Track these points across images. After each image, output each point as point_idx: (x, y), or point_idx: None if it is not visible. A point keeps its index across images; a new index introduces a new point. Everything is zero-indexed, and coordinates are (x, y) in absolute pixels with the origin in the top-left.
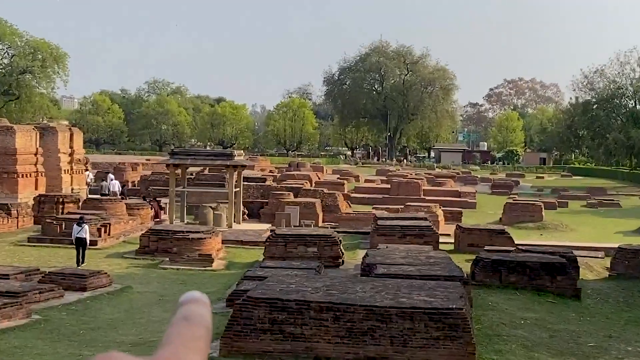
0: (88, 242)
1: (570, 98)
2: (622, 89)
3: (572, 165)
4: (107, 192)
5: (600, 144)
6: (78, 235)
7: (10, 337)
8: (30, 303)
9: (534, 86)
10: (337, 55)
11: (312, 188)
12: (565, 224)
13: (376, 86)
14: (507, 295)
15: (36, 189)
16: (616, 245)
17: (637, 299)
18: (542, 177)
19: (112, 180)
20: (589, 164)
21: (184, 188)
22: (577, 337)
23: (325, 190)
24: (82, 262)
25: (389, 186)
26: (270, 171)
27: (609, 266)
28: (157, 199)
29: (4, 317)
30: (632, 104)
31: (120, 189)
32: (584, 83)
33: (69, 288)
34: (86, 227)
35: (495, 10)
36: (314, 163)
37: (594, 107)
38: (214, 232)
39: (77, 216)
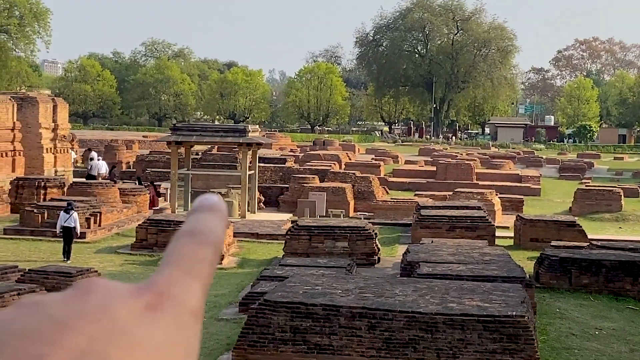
0: (78, 232)
1: None
2: None
3: None
4: (96, 174)
5: None
6: (66, 224)
7: None
8: (7, 306)
9: (612, 48)
10: (373, 11)
11: (341, 171)
12: None
13: (419, 48)
14: (578, 301)
15: (13, 170)
16: None
17: None
18: (622, 158)
19: (98, 159)
20: None
21: (188, 170)
22: None
23: (358, 174)
24: (66, 258)
25: (434, 169)
26: (292, 150)
27: None
28: (155, 183)
29: None
30: None
31: (109, 170)
32: None
33: (53, 289)
34: (75, 214)
35: None
36: (343, 141)
37: None
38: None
39: (64, 203)
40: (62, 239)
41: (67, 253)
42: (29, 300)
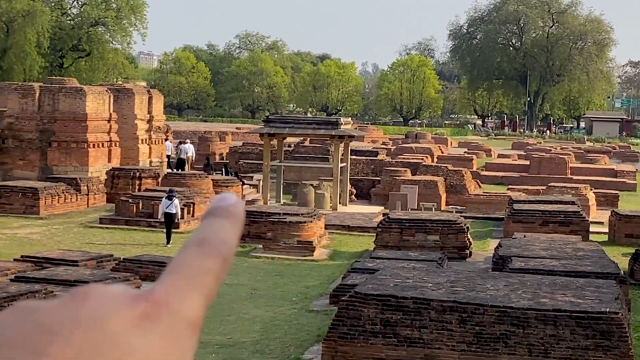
0: (179, 217)
1: None
2: None
3: None
4: (184, 157)
5: None
6: (167, 211)
7: None
8: None
9: None
10: (467, 4)
11: (433, 164)
12: None
13: (514, 41)
14: None
15: (109, 161)
16: None
17: None
18: None
19: (185, 142)
20: None
21: (280, 162)
22: None
23: (450, 167)
24: (168, 242)
25: (527, 163)
26: (384, 143)
27: None
28: (239, 174)
29: None
30: None
31: (194, 154)
32: None
33: (147, 278)
34: (176, 201)
35: None
36: (436, 134)
37: None
38: (315, 215)
39: (158, 193)
40: (162, 225)
41: (169, 237)
42: (23, 305)
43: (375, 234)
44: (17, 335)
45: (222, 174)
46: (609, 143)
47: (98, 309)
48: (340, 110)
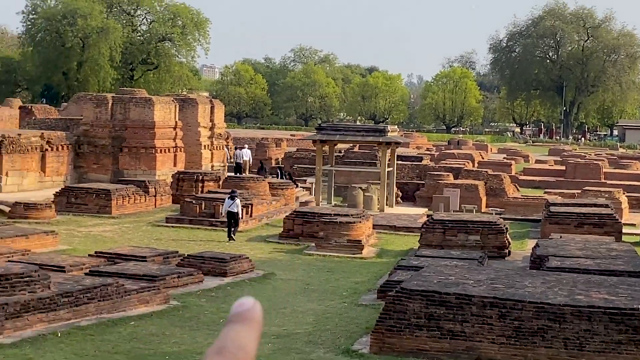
0: (241, 216)
1: None
2: None
3: None
4: (242, 161)
5: None
6: (230, 209)
7: (147, 323)
8: (169, 288)
9: None
10: (506, 19)
11: (474, 169)
12: None
13: (550, 54)
14: None
15: (175, 165)
16: None
17: None
18: None
19: (242, 148)
20: None
21: (331, 166)
22: None
23: (490, 172)
24: (230, 238)
25: (563, 168)
26: (427, 149)
27: None
28: (292, 177)
29: (141, 301)
30: None
31: (251, 158)
32: None
33: (209, 273)
34: (238, 201)
35: None
36: (477, 141)
37: None
38: (364, 215)
39: (219, 195)
40: (224, 224)
41: (232, 233)
42: None
43: (419, 234)
44: None
45: (277, 177)
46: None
47: None
48: (387, 119)
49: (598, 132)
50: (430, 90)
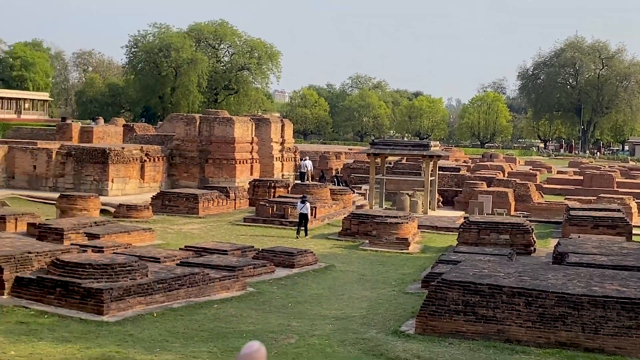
0: (310, 217)
1: None
2: None
3: None
4: (305, 170)
5: None
6: (302, 211)
7: (227, 306)
8: (246, 277)
9: None
10: (532, 51)
11: (504, 178)
12: None
13: (570, 81)
14: None
15: (251, 174)
16: None
17: None
18: None
19: (304, 159)
20: None
21: (382, 176)
22: None
23: (518, 181)
24: (305, 235)
25: (581, 178)
26: (464, 161)
27: None
28: (349, 184)
29: (223, 288)
30: None
31: (313, 168)
32: None
33: (279, 264)
34: (308, 204)
35: None
36: (506, 154)
37: None
38: (410, 217)
39: (289, 200)
40: (297, 222)
41: (302, 231)
42: None
43: (457, 233)
44: None
45: (335, 184)
46: None
47: None
48: (430, 136)
49: (611, 148)
50: (467, 111)
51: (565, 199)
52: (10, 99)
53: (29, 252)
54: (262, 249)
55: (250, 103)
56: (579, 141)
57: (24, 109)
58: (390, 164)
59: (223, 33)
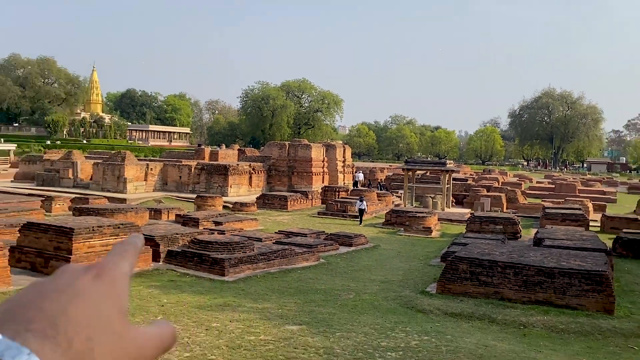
0: (366, 210)
1: None
2: None
3: None
4: (357, 180)
5: None
6: (360, 207)
7: (306, 272)
8: (319, 252)
9: None
10: (519, 97)
11: (499, 186)
12: None
13: (545, 118)
14: (639, 265)
15: (323, 182)
16: None
17: None
18: None
19: (357, 172)
20: None
21: (413, 184)
22: None
23: (508, 188)
24: (360, 223)
25: (553, 186)
26: (470, 174)
27: None
28: (389, 189)
29: (303, 259)
30: None
31: (363, 179)
32: None
33: (342, 244)
34: (365, 202)
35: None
36: (500, 170)
37: None
38: (432, 213)
39: (350, 200)
40: (357, 215)
41: (360, 221)
42: (34, 281)
43: (465, 224)
44: (24, 299)
45: (379, 189)
46: (600, 176)
47: (69, 278)
48: (446, 156)
49: (574, 165)
50: (472, 139)
51: (542, 201)
52: (164, 132)
53: (177, 233)
54: (330, 233)
55: (322, 134)
56: (551, 160)
57: (173, 139)
58: (418, 175)
59: (304, 87)
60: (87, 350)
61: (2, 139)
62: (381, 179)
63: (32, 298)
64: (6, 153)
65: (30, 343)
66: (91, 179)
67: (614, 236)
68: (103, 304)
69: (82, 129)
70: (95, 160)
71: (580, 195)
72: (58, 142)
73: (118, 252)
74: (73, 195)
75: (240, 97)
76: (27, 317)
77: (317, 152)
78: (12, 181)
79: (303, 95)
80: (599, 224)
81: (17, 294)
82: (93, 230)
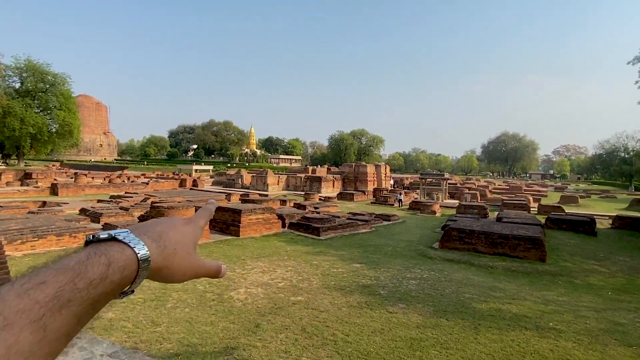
0: (402, 200)
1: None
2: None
3: (593, 180)
4: (392, 184)
5: (607, 171)
6: (399, 198)
7: (364, 235)
8: (372, 224)
9: (575, 147)
10: (488, 135)
11: (475, 187)
12: (588, 204)
13: (504, 149)
14: (561, 233)
15: (374, 185)
16: (614, 214)
17: (624, 237)
18: (578, 185)
19: (392, 180)
20: (603, 179)
21: (425, 186)
22: (595, 251)
23: (481, 188)
24: (400, 206)
25: (508, 187)
26: (459, 181)
27: (611, 223)
28: (411, 189)
29: (363, 228)
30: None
31: (395, 183)
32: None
33: (384, 220)
34: (401, 195)
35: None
36: (476, 178)
37: (604, 155)
38: (437, 202)
39: (387, 194)
40: (392, 204)
41: (400, 204)
42: (156, 218)
43: (456, 209)
44: (147, 224)
45: (402, 189)
46: (537, 181)
47: (171, 220)
48: (444, 171)
49: (521, 175)
50: (459, 161)
51: (502, 195)
52: (288, 159)
53: (294, 213)
54: (377, 214)
55: (373, 159)
56: (507, 172)
57: (292, 162)
58: (427, 182)
59: (363, 133)
60: (172, 253)
61: (203, 164)
62: (406, 184)
63: (152, 224)
64: (207, 171)
65: (145, 240)
66: (250, 184)
67: (546, 216)
68: (186, 236)
69: (245, 158)
70: (252, 174)
71: (525, 192)
72: (234, 165)
73: (200, 213)
74: (241, 192)
75: (328, 139)
76: (146, 230)
77: (370, 169)
78: (211, 185)
79: (362, 138)
80: (536, 209)
81: (147, 222)
82: (251, 211)
